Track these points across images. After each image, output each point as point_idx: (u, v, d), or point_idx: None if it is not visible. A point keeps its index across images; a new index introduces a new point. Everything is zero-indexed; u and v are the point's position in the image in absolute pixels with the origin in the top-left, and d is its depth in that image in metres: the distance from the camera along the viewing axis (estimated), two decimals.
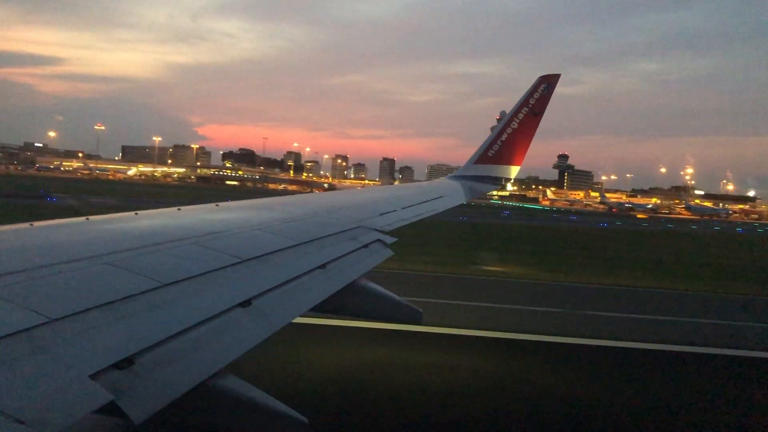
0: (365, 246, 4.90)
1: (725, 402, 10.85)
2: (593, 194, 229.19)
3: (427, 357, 13.18)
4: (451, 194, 9.88)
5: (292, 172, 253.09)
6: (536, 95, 11.10)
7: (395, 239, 5.46)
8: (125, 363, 2.12)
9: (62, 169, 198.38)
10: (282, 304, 3.23)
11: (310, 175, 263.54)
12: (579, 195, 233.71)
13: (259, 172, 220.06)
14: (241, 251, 3.62)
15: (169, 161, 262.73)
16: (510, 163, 11.55)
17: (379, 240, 5.22)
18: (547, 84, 11.13)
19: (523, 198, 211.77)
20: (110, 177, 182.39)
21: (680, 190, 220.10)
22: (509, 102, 11.60)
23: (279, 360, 11.12)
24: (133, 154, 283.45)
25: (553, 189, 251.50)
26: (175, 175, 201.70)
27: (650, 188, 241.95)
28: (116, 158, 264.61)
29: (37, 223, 3.50)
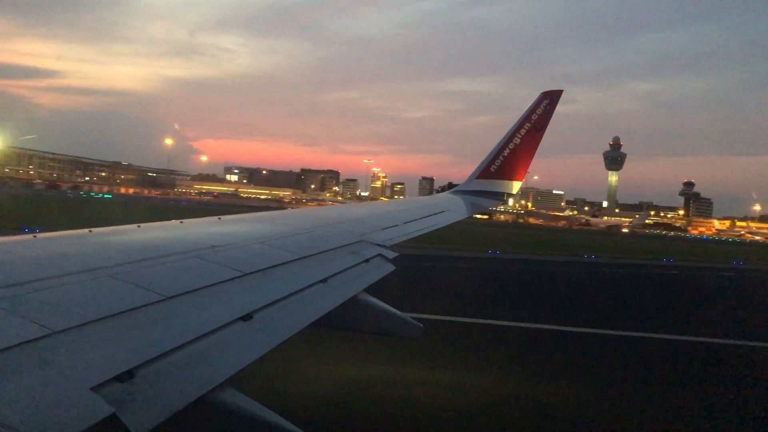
0: (366, 260, 4.91)
1: None
2: (740, 224, 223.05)
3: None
4: (453, 209, 9.89)
5: (528, 204, 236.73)
6: (538, 111, 11.15)
7: (396, 254, 5.48)
8: (126, 376, 2.13)
9: (244, 195, 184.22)
10: (283, 318, 3.23)
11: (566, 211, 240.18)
12: (726, 224, 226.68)
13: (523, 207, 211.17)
14: (243, 265, 3.64)
15: (313, 186, 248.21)
16: (512, 178, 11.57)
17: (380, 255, 5.23)
18: (549, 100, 11.19)
19: (668, 227, 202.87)
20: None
21: None
22: (504, 120, 11.61)
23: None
24: (258, 178, 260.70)
25: (680, 214, 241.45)
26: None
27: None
28: (240, 181, 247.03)
29: (40, 235, 3.53)
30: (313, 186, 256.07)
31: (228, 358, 2.60)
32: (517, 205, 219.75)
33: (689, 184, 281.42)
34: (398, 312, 4.62)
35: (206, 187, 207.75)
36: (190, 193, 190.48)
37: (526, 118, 11.20)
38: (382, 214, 7.94)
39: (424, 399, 11.43)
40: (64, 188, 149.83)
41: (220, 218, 5.33)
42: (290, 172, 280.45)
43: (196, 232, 4.57)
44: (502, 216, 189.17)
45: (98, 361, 2.14)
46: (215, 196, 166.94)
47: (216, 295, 3.11)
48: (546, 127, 11.28)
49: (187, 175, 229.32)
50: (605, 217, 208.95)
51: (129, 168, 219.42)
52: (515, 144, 11.31)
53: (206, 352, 2.57)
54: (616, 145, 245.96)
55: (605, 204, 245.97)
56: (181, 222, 4.81)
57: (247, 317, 2.98)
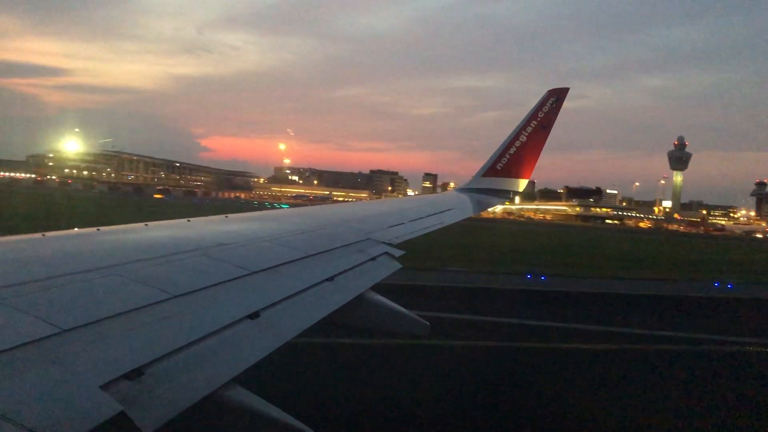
0: (373, 259, 4.91)
1: None
2: None
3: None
4: (459, 207, 9.88)
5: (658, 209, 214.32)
6: (545, 109, 11.11)
7: (403, 252, 5.48)
8: (135, 374, 2.14)
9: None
10: (290, 316, 3.24)
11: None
12: None
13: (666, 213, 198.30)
14: (250, 263, 3.65)
15: (390, 188, 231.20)
16: (518, 176, 11.54)
17: (386, 253, 5.23)
18: (555, 97, 11.15)
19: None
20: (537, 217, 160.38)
21: None
22: (512, 116, 11.55)
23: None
24: (327, 179, 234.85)
25: (742, 214, 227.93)
26: (548, 216, 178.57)
27: None
28: (307, 182, 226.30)
29: (49, 234, 3.54)
30: (390, 188, 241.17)
31: (235, 356, 2.61)
32: (658, 210, 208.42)
33: (762, 185, 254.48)
34: (405, 310, 4.62)
35: (293, 190, 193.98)
36: (279, 196, 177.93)
37: (533, 116, 11.17)
38: (388, 212, 7.94)
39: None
40: (198, 195, 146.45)
41: (227, 216, 5.35)
42: (360, 173, 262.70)
43: (203, 231, 4.58)
44: (629, 221, 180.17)
45: (107, 359, 2.15)
46: (311, 200, 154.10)
47: (223, 294, 3.12)
48: (552, 124, 11.24)
49: (257, 177, 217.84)
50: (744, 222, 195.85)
51: (208, 170, 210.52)
52: (521, 142, 11.29)
53: (214, 350, 2.58)
54: (681, 144, 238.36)
55: (668, 204, 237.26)
56: (189, 220, 4.83)
57: (254, 315, 2.98)
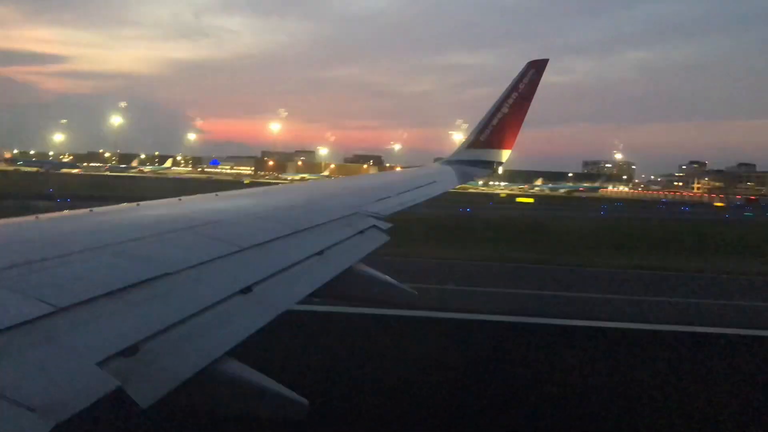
0: (361, 232, 4.97)
1: None
2: None
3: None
4: (444, 179, 9.95)
5: None
6: (525, 80, 11.12)
7: (390, 225, 5.54)
8: (130, 350, 2.17)
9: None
10: (282, 290, 3.28)
11: None
12: None
13: None
14: (241, 239, 3.67)
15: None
16: (501, 147, 11.59)
17: (374, 226, 5.29)
18: (535, 69, 11.15)
19: None
20: None
21: None
22: (502, 92, 11.56)
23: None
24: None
25: None
26: None
27: None
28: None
29: (42, 216, 3.55)
30: None
31: (229, 330, 2.65)
32: None
33: None
34: (394, 281, 4.71)
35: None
36: None
37: (514, 87, 11.17)
38: (375, 185, 7.99)
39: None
40: None
41: (217, 194, 5.37)
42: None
43: (194, 209, 4.59)
44: None
45: (102, 336, 2.18)
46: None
47: (215, 270, 3.15)
48: (533, 96, 11.25)
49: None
50: None
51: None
52: (504, 114, 11.30)
53: (208, 325, 2.61)
54: None
55: None
56: (180, 199, 4.84)
57: (246, 290, 3.02)
